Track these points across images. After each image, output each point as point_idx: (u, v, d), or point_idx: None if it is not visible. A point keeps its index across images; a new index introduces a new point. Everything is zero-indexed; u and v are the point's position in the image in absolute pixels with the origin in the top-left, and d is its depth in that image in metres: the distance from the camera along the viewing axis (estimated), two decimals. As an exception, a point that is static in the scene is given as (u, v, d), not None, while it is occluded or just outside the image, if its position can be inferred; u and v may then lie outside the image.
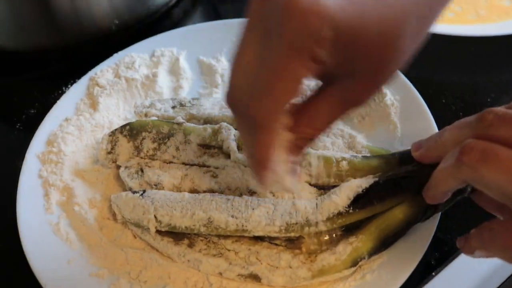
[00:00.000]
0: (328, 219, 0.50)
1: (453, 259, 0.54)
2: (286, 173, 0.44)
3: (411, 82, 0.63)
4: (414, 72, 0.64)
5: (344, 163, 0.53)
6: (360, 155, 0.54)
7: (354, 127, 0.62)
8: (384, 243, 0.50)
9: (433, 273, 0.53)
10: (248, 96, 0.38)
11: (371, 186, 0.50)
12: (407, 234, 0.51)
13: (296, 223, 0.50)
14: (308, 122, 0.41)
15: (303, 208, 0.50)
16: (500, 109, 0.41)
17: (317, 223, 0.50)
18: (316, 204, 0.50)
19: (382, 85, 0.41)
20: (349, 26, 0.36)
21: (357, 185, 0.50)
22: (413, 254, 0.50)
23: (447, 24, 0.75)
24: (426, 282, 0.53)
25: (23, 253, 0.53)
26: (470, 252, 0.44)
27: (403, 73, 0.64)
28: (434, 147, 0.47)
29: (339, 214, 0.50)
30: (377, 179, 0.50)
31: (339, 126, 0.61)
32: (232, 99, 0.40)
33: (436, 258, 0.54)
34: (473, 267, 0.54)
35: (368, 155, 0.55)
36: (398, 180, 0.49)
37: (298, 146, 0.43)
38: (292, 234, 0.51)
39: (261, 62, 0.37)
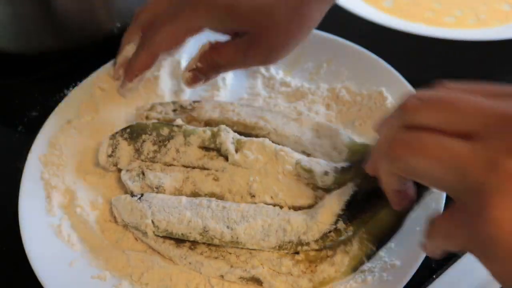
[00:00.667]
0: (319, 238, 0.50)
1: (454, 262, 0.54)
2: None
3: (412, 86, 0.63)
4: (414, 76, 0.64)
5: (327, 178, 0.53)
6: (339, 165, 0.54)
7: (355, 130, 0.62)
8: (380, 243, 0.51)
9: (434, 276, 0.53)
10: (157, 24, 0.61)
11: (351, 200, 0.51)
12: (407, 236, 0.51)
13: (290, 242, 0.51)
14: (217, 54, 0.60)
15: (295, 226, 0.51)
16: (422, 93, 0.40)
17: (308, 243, 0.51)
18: (306, 224, 0.51)
19: (270, 50, 0.59)
20: (222, 4, 0.57)
21: (337, 200, 0.51)
22: (414, 257, 0.50)
23: (447, 29, 0.75)
24: (427, 285, 0.53)
25: (25, 255, 0.53)
26: (426, 250, 0.43)
27: (404, 77, 0.64)
28: (375, 155, 0.45)
29: (328, 232, 0.50)
30: (356, 188, 0.51)
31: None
32: (139, 15, 0.64)
33: (437, 261, 0.54)
34: (474, 270, 0.54)
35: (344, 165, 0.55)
36: (375, 187, 0.48)
37: (202, 72, 0.62)
38: (286, 251, 0.51)
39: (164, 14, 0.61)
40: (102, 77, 0.69)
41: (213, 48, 0.60)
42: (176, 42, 0.61)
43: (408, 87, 0.63)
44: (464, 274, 0.53)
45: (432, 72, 0.73)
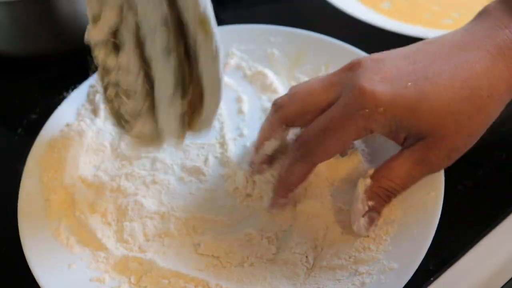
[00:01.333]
0: None
1: (452, 264, 0.54)
2: None
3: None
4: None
5: None
6: None
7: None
8: None
9: (432, 279, 0.53)
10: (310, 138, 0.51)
11: None
12: (405, 238, 0.52)
13: None
14: (387, 172, 0.51)
15: None
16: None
17: None
18: None
19: (448, 153, 0.51)
20: (402, 107, 0.48)
21: None
22: (412, 259, 0.50)
23: (446, 30, 0.75)
24: (424, 288, 0.53)
25: (24, 258, 0.53)
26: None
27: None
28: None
29: None
30: None
31: None
32: (281, 109, 0.55)
33: (435, 264, 0.54)
34: (472, 273, 0.54)
35: None
36: None
37: (375, 194, 0.52)
38: None
39: (326, 113, 0.50)
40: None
41: (379, 174, 0.52)
42: (344, 148, 0.55)
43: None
44: (461, 276, 0.54)
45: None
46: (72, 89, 0.70)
